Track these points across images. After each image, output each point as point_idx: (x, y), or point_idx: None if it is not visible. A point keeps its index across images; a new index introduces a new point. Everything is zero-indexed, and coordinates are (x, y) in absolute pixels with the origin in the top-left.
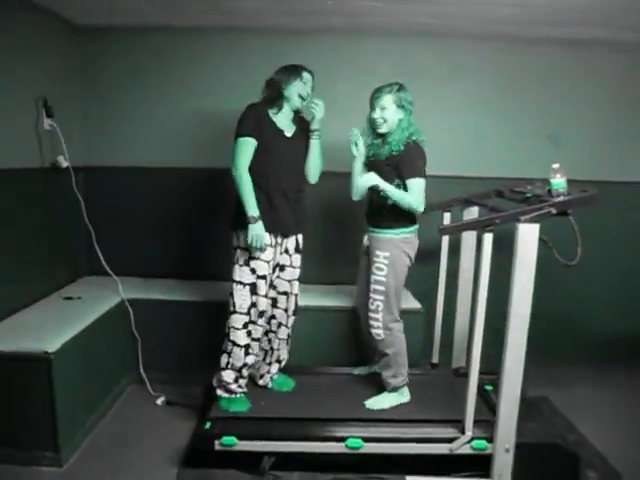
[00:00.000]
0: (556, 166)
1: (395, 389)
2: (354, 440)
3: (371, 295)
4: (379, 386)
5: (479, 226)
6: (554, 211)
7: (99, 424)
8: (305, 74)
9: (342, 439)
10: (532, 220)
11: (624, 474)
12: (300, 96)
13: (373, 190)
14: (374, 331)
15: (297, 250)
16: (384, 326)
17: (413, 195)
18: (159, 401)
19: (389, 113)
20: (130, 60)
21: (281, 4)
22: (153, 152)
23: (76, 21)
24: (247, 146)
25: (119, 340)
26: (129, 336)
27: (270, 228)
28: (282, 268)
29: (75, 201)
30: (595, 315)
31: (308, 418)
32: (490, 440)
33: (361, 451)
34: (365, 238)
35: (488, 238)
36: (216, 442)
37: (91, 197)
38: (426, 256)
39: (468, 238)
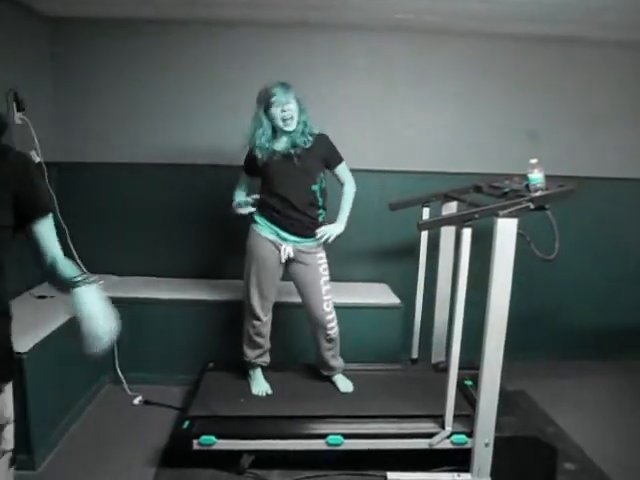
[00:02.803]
0: (534, 161)
1: None
2: (334, 437)
3: (325, 297)
4: (351, 378)
5: (458, 221)
6: (532, 206)
7: (75, 425)
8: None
9: (322, 436)
10: (510, 215)
11: (601, 465)
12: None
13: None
14: (332, 324)
15: None
16: (335, 319)
17: (350, 179)
18: (136, 401)
19: (295, 109)
20: (104, 52)
21: None
22: (129, 148)
23: (47, 12)
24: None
25: None
26: None
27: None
28: None
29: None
30: (571, 309)
31: (288, 416)
32: (470, 434)
33: (341, 448)
34: (285, 250)
35: (467, 233)
36: (194, 441)
37: (64, 194)
38: (405, 251)
39: (447, 233)
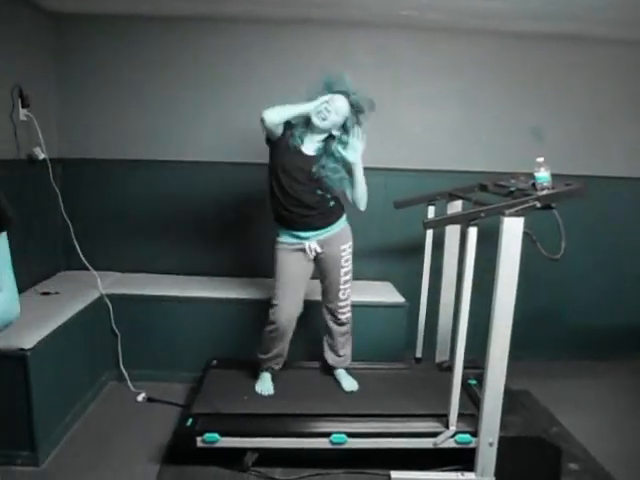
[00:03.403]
0: (540, 160)
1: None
2: (338, 435)
3: (342, 287)
4: (355, 376)
5: (463, 220)
6: (538, 205)
7: (78, 421)
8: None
9: (326, 434)
10: (517, 214)
11: (605, 465)
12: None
13: (314, 190)
14: (344, 310)
15: None
16: (349, 307)
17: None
18: (140, 398)
19: (341, 113)
20: (109, 49)
21: None
22: (132, 144)
23: (52, 9)
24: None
25: (98, 336)
26: (109, 332)
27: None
28: None
29: (52, 194)
30: (576, 308)
31: (291, 414)
32: (474, 434)
33: (345, 446)
34: (309, 245)
35: (472, 232)
36: (198, 439)
37: (69, 190)
38: (410, 250)
39: (452, 232)
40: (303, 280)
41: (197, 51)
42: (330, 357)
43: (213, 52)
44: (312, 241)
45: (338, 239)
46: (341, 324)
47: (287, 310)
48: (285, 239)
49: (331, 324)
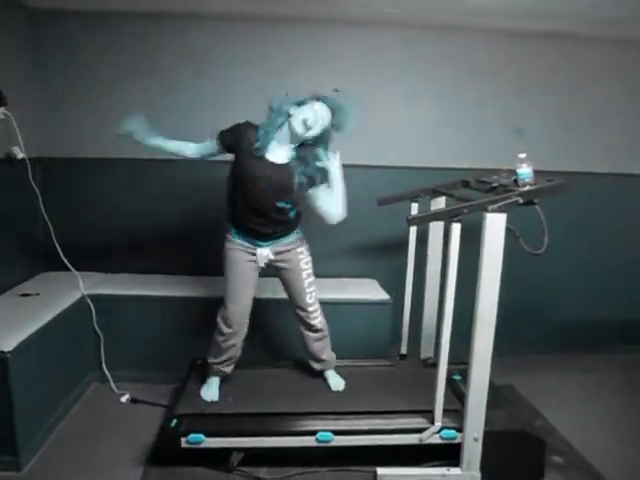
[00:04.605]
0: (522, 156)
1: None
2: (324, 433)
3: (307, 291)
4: (340, 374)
5: (446, 216)
6: (521, 200)
7: (61, 424)
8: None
9: (312, 433)
10: (499, 210)
11: (589, 458)
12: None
13: (279, 200)
14: (315, 314)
15: None
16: (320, 310)
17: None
18: (123, 399)
19: (321, 125)
20: (89, 46)
21: None
22: (114, 142)
23: (30, 4)
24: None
25: (80, 337)
26: (91, 333)
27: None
28: None
29: (32, 194)
30: (560, 303)
31: (277, 412)
32: (459, 429)
33: (331, 444)
34: (261, 253)
35: (456, 228)
36: (183, 439)
37: (49, 189)
38: (395, 247)
39: (436, 228)
40: (253, 279)
41: (180, 49)
42: (313, 364)
43: (195, 50)
44: (266, 249)
45: (294, 244)
46: (315, 330)
47: (239, 311)
48: (237, 239)
49: (304, 331)
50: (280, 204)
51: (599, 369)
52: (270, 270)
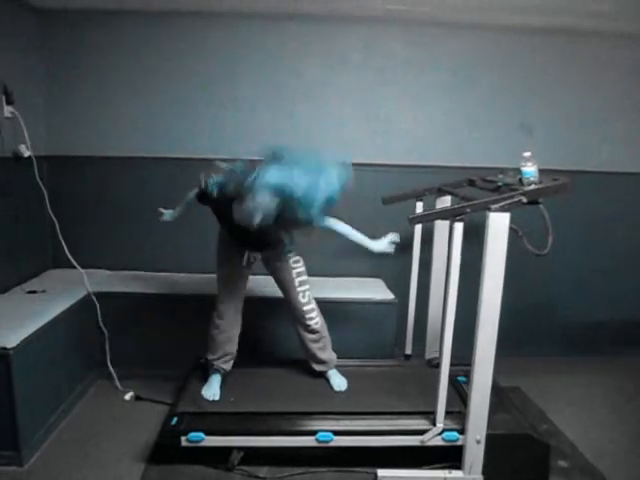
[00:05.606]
0: (527, 154)
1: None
2: (324, 434)
3: (299, 290)
4: (344, 374)
5: (449, 215)
6: (525, 200)
7: (64, 421)
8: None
9: (312, 433)
10: (502, 209)
11: (595, 463)
12: None
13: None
14: (311, 315)
15: None
16: (316, 310)
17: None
18: (127, 396)
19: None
20: (95, 45)
21: None
22: (121, 141)
23: (37, 4)
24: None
25: (85, 334)
26: (96, 330)
27: None
28: None
29: (38, 192)
30: (567, 304)
31: (277, 412)
32: (462, 431)
33: (331, 444)
34: (248, 253)
35: (458, 227)
36: (183, 438)
37: (55, 187)
38: (399, 246)
39: (441, 228)
40: (244, 272)
41: (186, 47)
42: (313, 365)
43: (202, 48)
44: (254, 251)
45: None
46: (312, 331)
47: (230, 302)
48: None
49: (301, 332)
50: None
51: (607, 372)
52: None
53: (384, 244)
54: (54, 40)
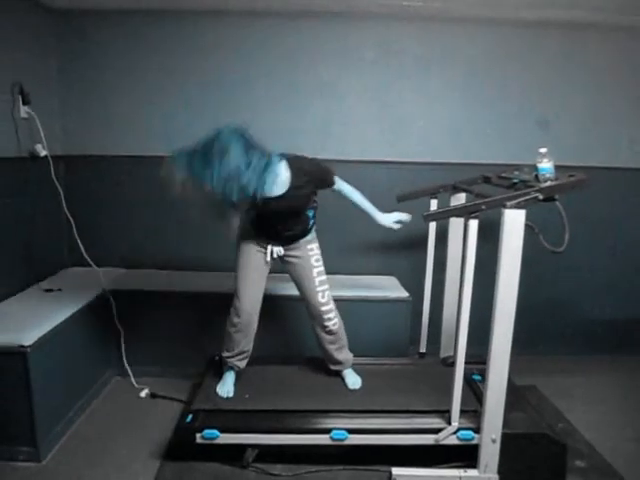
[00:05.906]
0: (543, 150)
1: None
2: (338, 432)
3: (319, 289)
4: (358, 372)
5: (464, 212)
6: (541, 197)
7: (80, 417)
8: None
9: (326, 431)
10: (518, 206)
11: (612, 463)
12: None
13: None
14: (329, 315)
15: None
16: (335, 311)
17: (348, 186)
18: (143, 393)
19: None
20: (111, 45)
21: None
22: (135, 140)
23: (53, 5)
24: None
25: (101, 332)
26: (112, 328)
27: None
28: None
29: (54, 191)
30: (585, 302)
31: (292, 410)
32: (477, 430)
33: (346, 443)
34: (272, 249)
35: (473, 224)
36: (197, 435)
37: (71, 187)
38: (415, 244)
39: (456, 225)
40: (264, 270)
41: (203, 46)
42: (329, 364)
43: (218, 47)
44: (277, 245)
45: (305, 240)
46: (329, 332)
47: (249, 300)
48: (250, 233)
49: (319, 332)
50: (299, 214)
51: (625, 371)
52: (284, 266)
53: (391, 219)
54: (69, 40)
